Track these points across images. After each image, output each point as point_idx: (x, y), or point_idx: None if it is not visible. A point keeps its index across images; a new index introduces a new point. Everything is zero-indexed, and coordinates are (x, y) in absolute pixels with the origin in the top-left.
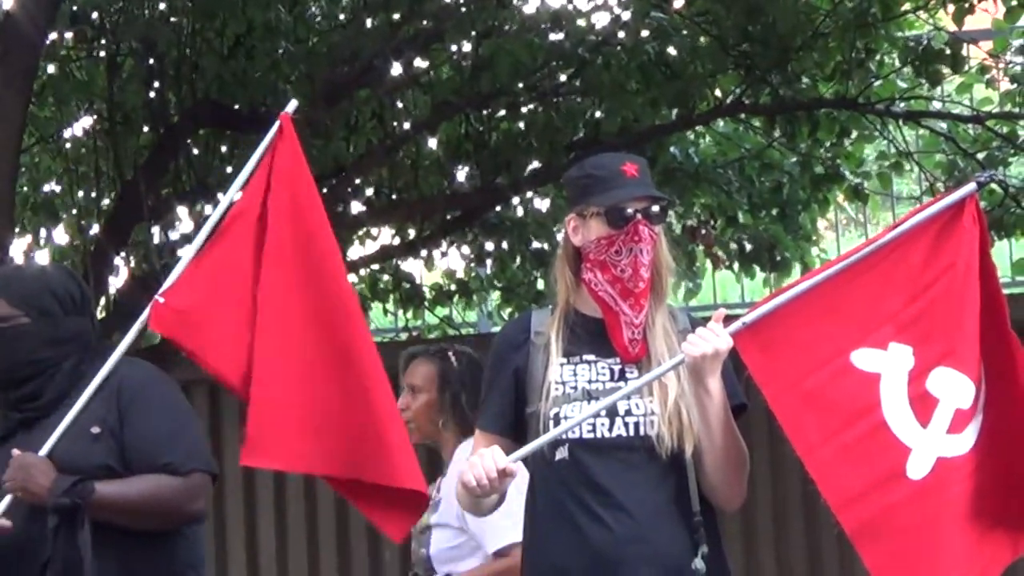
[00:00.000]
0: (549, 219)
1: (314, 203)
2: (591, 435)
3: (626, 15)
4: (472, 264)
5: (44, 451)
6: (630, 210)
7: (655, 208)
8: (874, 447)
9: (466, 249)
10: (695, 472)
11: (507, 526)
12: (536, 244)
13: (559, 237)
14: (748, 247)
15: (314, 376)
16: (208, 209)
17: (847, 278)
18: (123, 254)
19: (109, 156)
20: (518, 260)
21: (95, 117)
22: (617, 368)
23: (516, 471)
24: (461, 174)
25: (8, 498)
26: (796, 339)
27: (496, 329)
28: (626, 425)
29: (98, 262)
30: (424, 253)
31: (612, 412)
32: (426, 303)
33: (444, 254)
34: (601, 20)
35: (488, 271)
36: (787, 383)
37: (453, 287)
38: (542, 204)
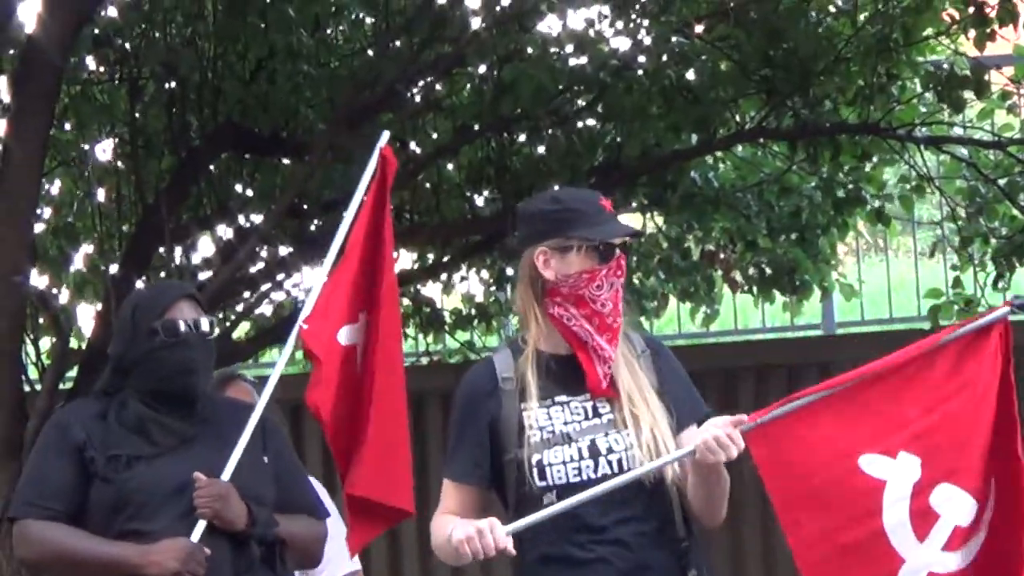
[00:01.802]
0: None
1: (390, 235)
2: (578, 479)
3: (647, 40)
4: (492, 288)
5: (227, 477)
6: (615, 245)
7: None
8: (869, 553)
9: (485, 273)
10: (679, 499)
11: (344, 557)
12: None
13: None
14: (767, 271)
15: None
16: (228, 232)
17: (865, 382)
18: (144, 278)
19: (131, 180)
20: None
21: (116, 141)
22: (589, 405)
23: (514, 552)
24: (481, 199)
25: (202, 525)
26: (807, 437)
27: None
28: (609, 463)
29: (120, 286)
30: (444, 277)
31: (595, 452)
32: (446, 327)
33: (464, 278)
34: (622, 45)
35: (507, 295)
36: (792, 478)
37: (472, 311)
38: None
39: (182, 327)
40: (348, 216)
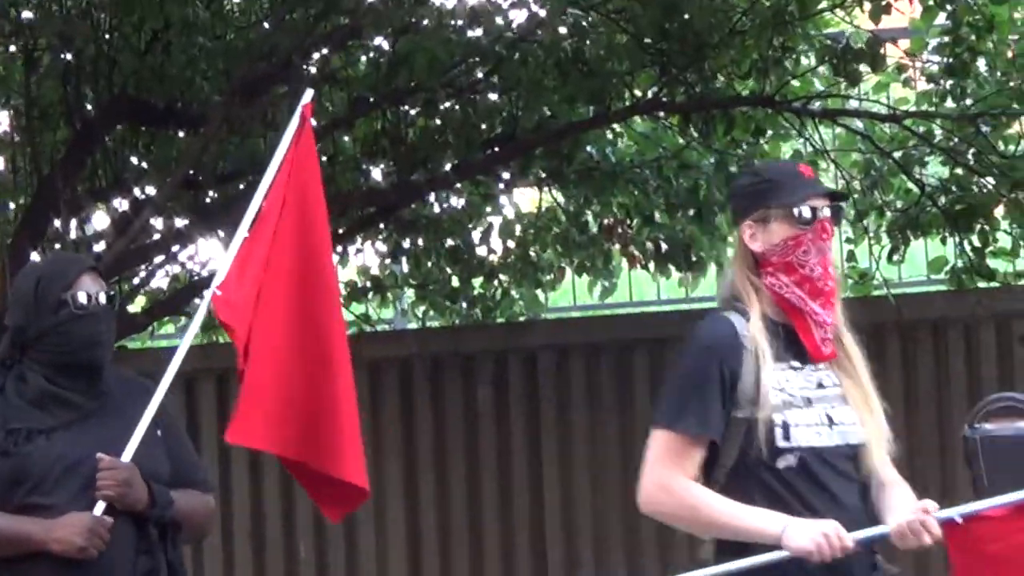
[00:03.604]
0: (464, 216)
1: (318, 193)
2: (819, 443)
3: (543, 12)
4: (387, 261)
5: (128, 456)
6: (816, 208)
7: (828, 211)
8: None
9: (381, 245)
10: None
11: None
12: (451, 241)
13: (475, 235)
14: (664, 247)
15: (293, 360)
16: (124, 204)
17: None
18: (40, 249)
19: (26, 152)
20: (433, 257)
21: (12, 112)
22: (816, 376)
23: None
24: (377, 170)
25: (101, 505)
26: (1009, 559)
27: (412, 326)
28: (841, 435)
29: (14, 258)
30: (339, 249)
31: (830, 421)
32: (342, 299)
33: (359, 250)
34: (519, 17)
35: (403, 268)
36: None
37: (368, 284)
38: (458, 201)
39: (89, 300)
40: (267, 177)
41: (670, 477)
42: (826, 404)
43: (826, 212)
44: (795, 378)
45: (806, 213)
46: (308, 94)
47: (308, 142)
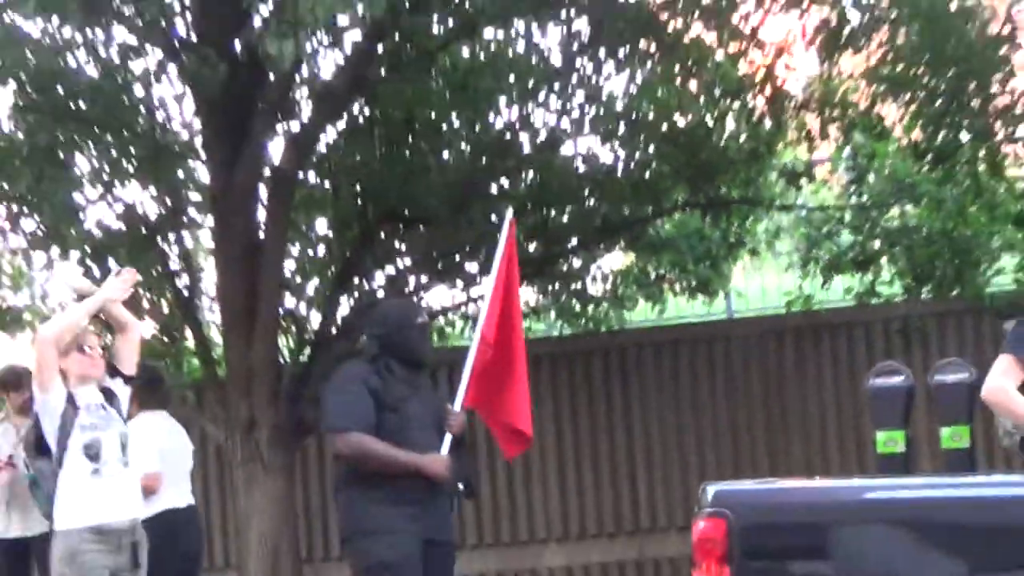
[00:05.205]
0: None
1: (515, 273)
2: None
3: (622, 152)
4: (541, 298)
5: (458, 407)
6: None
7: None
8: None
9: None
10: None
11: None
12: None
13: None
14: (694, 284)
15: (502, 357)
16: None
17: None
18: (352, 297)
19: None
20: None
21: (328, 222)
22: None
23: None
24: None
25: (448, 440)
26: None
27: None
28: None
29: (332, 302)
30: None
31: None
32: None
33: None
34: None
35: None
36: None
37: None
38: None
39: (424, 325)
40: (495, 268)
41: (1003, 382)
42: None
43: None
44: None
45: None
46: (509, 212)
47: (511, 243)
